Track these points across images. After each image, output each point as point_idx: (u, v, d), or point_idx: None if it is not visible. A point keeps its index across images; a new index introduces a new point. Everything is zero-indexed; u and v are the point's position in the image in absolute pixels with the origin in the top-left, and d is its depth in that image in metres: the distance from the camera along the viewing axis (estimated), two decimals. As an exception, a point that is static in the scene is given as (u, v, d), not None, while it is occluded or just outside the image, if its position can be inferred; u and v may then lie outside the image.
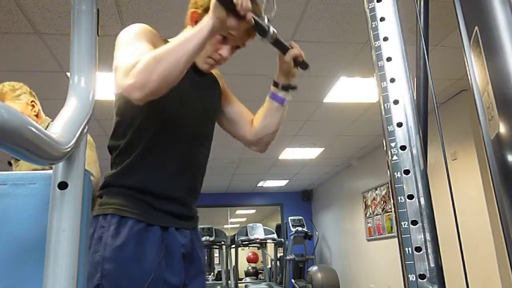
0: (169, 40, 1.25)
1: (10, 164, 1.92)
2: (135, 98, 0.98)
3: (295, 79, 1.32)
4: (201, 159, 1.28)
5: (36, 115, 1.89)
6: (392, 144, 0.73)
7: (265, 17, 1.15)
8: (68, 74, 0.71)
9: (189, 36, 1.01)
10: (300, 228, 7.49)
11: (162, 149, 1.17)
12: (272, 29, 1.14)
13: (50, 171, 0.65)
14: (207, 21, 1.02)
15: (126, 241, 1.06)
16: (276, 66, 1.31)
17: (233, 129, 1.40)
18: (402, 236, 0.69)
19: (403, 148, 0.73)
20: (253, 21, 1.06)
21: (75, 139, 0.61)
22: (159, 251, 1.10)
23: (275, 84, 1.33)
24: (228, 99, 1.41)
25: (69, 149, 0.60)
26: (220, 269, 9.47)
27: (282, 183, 8.18)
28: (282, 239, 8.17)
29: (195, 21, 1.20)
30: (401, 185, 0.71)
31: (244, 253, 13.34)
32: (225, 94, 1.40)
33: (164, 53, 0.99)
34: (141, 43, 1.08)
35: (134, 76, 0.96)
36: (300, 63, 1.27)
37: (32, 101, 1.89)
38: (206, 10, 1.15)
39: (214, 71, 1.38)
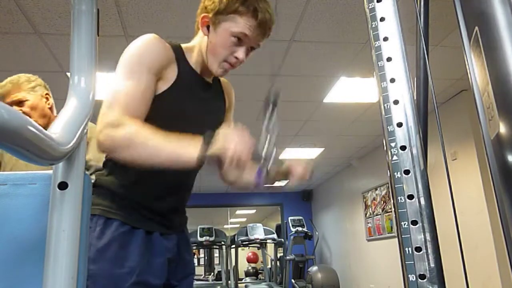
0: (182, 45, 1.22)
1: None
2: (99, 150, 1.03)
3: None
4: (190, 180, 1.28)
5: (50, 108, 1.89)
6: (392, 144, 0.73)
7: (265, 147, 1.05)
8: (68, 74, 0.71)
9: (172, 152, 0.98)
10: (300, 228, 7.49)
11: (154, 172, 1.16)
12: (270, 165, 1.05)
13: (50, 171, 0.65)
14: (194, 158, 0.96)
15: (109, 243, 1.07)
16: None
17: None
18: (402, 236, 0.69)
19: (403, 148, 0.73)
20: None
21: (75, 139, 0.61)
22: (142, 253, 1.10)
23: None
24: (226, 121, 1.36)
25: (69, 149, 0.60)
26: (220, 269, 9.46)
27: (282, 183, 8.16)
28: (282, 239, 8.16)
29: (207, 26, 1.17)
30: (401, 185, 0.71)
31: (244, 253, 13.33)
32: (227, 114, 1.37)
33: (140, 144, 0.98)
34: (138, 79, 1.06)
35: (107, 138, 0.99)
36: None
37: (46, 94, 1.90)
38: (217, 13, 1.13)
39: (224, 81, 1.36)
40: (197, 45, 1.22)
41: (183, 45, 1.22)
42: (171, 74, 1.14)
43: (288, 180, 1.23)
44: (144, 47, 1.10)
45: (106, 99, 1.05)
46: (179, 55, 1.18)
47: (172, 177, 1.18)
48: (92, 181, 1.17)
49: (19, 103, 1.79)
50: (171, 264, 1.18)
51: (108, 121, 1.00)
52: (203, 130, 1.22)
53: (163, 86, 1.12)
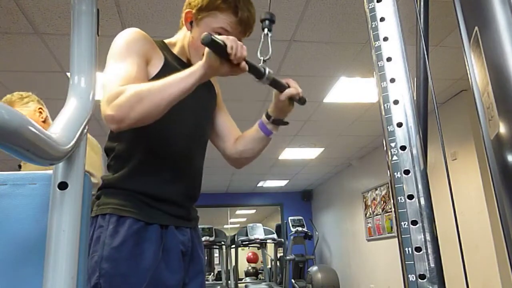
0: (164, 40, 1.25)
1: (19, 167, 1.99)
2: (111, 128, 1.02)
3: (287, 115, 1.30)
4: (197, 163, 1.28)
5: (44, 121, 2.00)
6: (392, 144, 0.73)
7: (261, 58, 1.15)
8: (68, 74, 0.71)
9: (178, 79, 1.01)
10: (300, 228, 7.49)
11: (158, 156, 1.16)
12: (268, 70, 1.12)
13: (50, 171, 0.65)
14: (199, 67, 1.01)
15: (124, 240, 1.06)
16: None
17: (215, 139, 1.39)
18: (402, 236, 0.69)
19: (403, 148, 0.73)
20: (247, 68, 1.05)
21: (75, 139, 0.61)
22: (157, 250, 1.10)
23: (267, 116, 1.30)
24: (219, 107, 1.40)
25: (69, 149, 0.60)
26: (220, 269, 9.47)
27: (282, 183, 8.18)
28: (282, 239, 8.17)
29: (190, 21, 1.20)
30: (401, 185, 0.71)
31: (244, 253, 13.33)
32: (218, 100, 1.40)
33: (148, 92, 0.99)
34: (130, 61, 1.08)
35: (114, 109, 0.98)
36: (297, 100, 1.25)
37: (39, 108, 2.01)
38: (200, 9, 1.17)
39: None
40: (180, 40, 1.26)
41: (166, 40, 1.27)
42: (158, 60, 1.17)
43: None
44: (129, 36, 1.13)
45: (103, 85, 1.05)
46: (162, 46, 1.23)
47: (177, 157, 1.19)
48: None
49: None
50: (185, 258, 1.18)
51: (107, 97, 1.00)
52: (196, 112, 1.25)
53: (152, 72, 1.15)
